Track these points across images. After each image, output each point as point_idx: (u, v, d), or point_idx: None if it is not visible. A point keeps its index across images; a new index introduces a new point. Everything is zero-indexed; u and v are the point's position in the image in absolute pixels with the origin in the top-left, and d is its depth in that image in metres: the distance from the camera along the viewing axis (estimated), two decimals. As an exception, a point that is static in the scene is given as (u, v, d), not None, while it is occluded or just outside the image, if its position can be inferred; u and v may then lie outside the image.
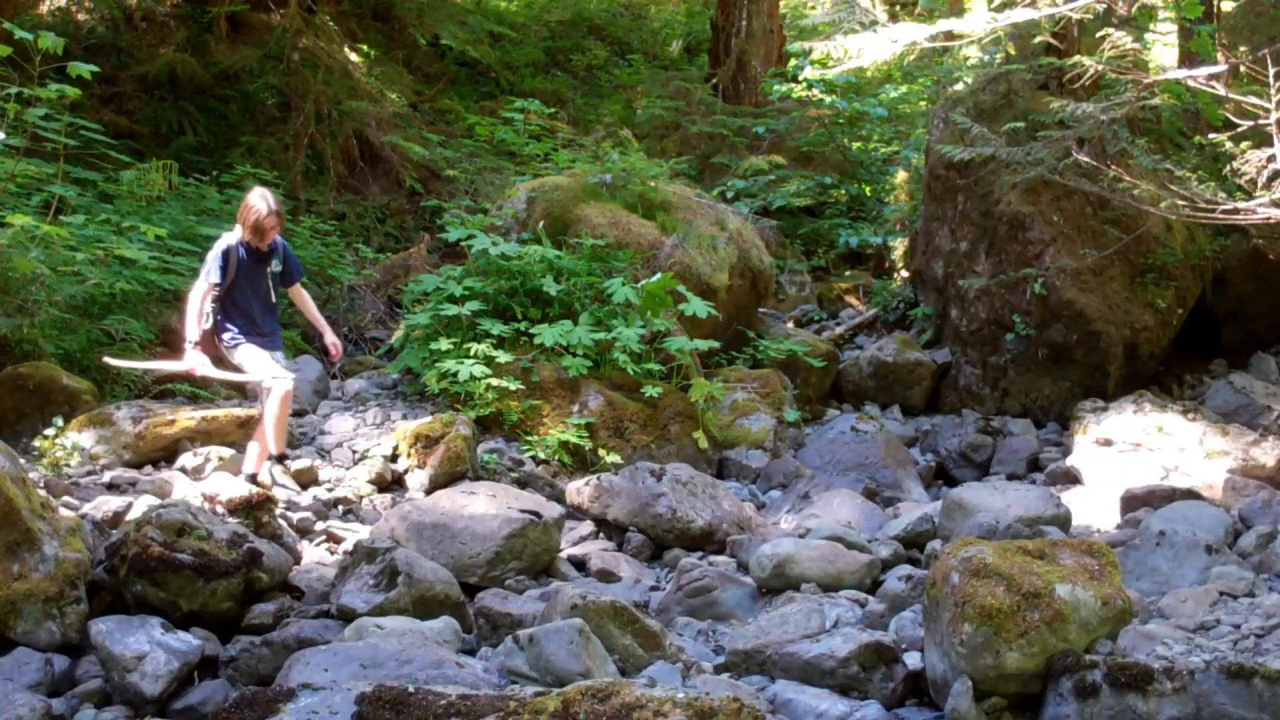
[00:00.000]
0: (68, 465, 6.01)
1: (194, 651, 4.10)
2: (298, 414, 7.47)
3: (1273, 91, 5.75)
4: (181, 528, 4.52)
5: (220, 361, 5.84)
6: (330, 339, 6.22)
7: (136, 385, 7.13)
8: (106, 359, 6.27)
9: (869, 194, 13.95)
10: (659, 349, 7.82)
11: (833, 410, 9.50)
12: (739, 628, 4.71)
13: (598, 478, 6.47)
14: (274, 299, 6.06)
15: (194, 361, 5.71)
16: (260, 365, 5.80)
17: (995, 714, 3.54)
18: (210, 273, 5.77)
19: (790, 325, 10.73)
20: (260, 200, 5.82)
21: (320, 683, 3.44)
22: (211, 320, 5.80)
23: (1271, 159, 6.19)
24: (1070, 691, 3.41)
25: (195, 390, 7.33)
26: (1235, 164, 6.55)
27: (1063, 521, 5.89)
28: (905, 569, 5.21)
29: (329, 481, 6.39)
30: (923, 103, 14.44)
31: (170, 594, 4.31)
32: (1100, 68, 6.67)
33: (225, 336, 5.81)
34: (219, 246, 5.83)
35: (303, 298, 6.34)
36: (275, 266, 6.02)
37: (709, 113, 14.44)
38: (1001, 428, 8.63)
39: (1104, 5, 6.61)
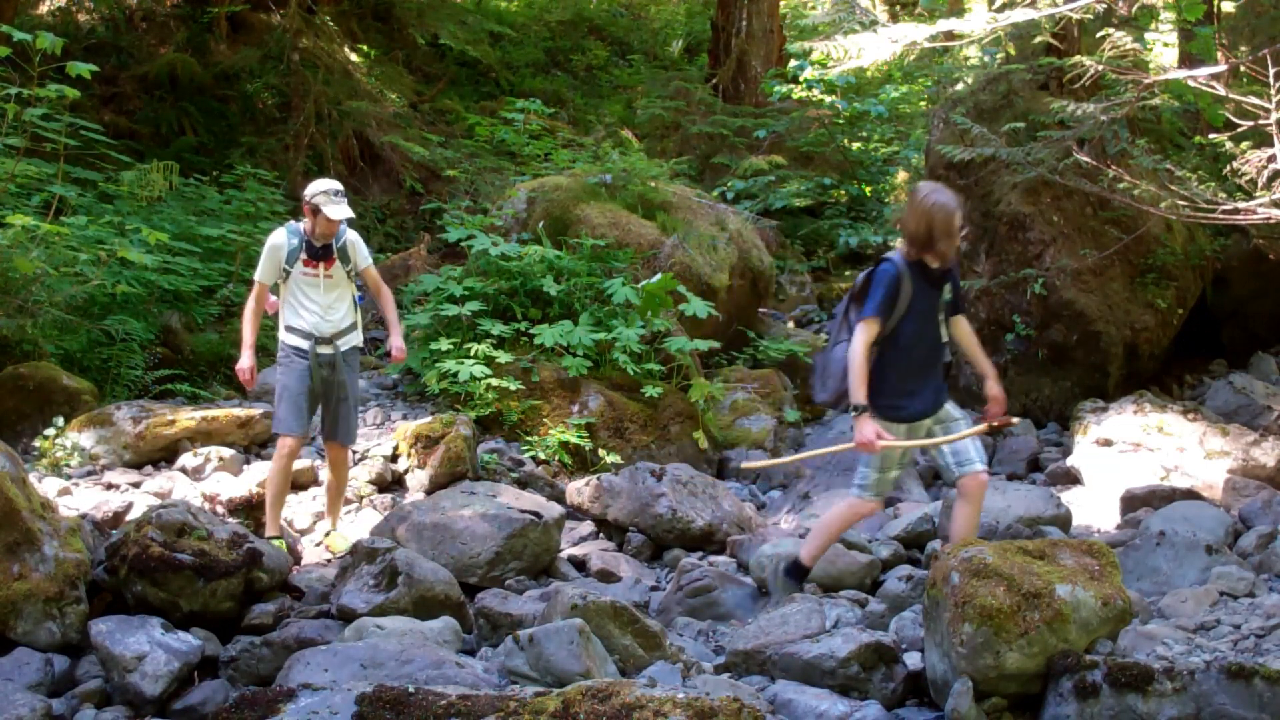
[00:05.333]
0: (68, 465, 6.01)
1: (194, 652, 4.09)
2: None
3: (1273, 91, 5.75)
4: (181, 528, 4.52)
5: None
6: None
7: (136, 385, 7.13)
8: (748, 464, 5.58)
9: (869, 194, 13.96)
10: (659, 349, 7.82)
11: (833, 410, 9.50)
12: (739, 628, 4.70)
13: (598, 478, 6.47)
14: (943, 339, 4.59)
15: (869, 433, 4.35)
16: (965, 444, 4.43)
17: (995, 714, 3.54)
18: (870, 307, 4.39)
19: (790, 325, 10.73)
20: (945, 195, 4.43)
21: (320, 683, 3.44)
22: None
23: (1271, 159, 6.19)
24: (1070, 692, 3.40)
25: (195, 390, 7.34)
26: (1235, 164, 6.54)
27: (1063, 521, 5.88)
28: (905, 569, 5.20)
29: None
30: (923, 103, 14.45)
31: (170, 594, 4.31)
32: (1100, 68, 6.67)
33: (878, 402, 4.44)
34: (883, 269, 4.44)
35: (967, 333, 4.81)
36: (947, 294, 4.57)
37: (709, 113, 14.45)
38: (1002, 428, 8.62)
39: (1104, 5, 6.61)
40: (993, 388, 4.71)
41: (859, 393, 4.35)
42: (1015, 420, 5.09)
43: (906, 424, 4.50)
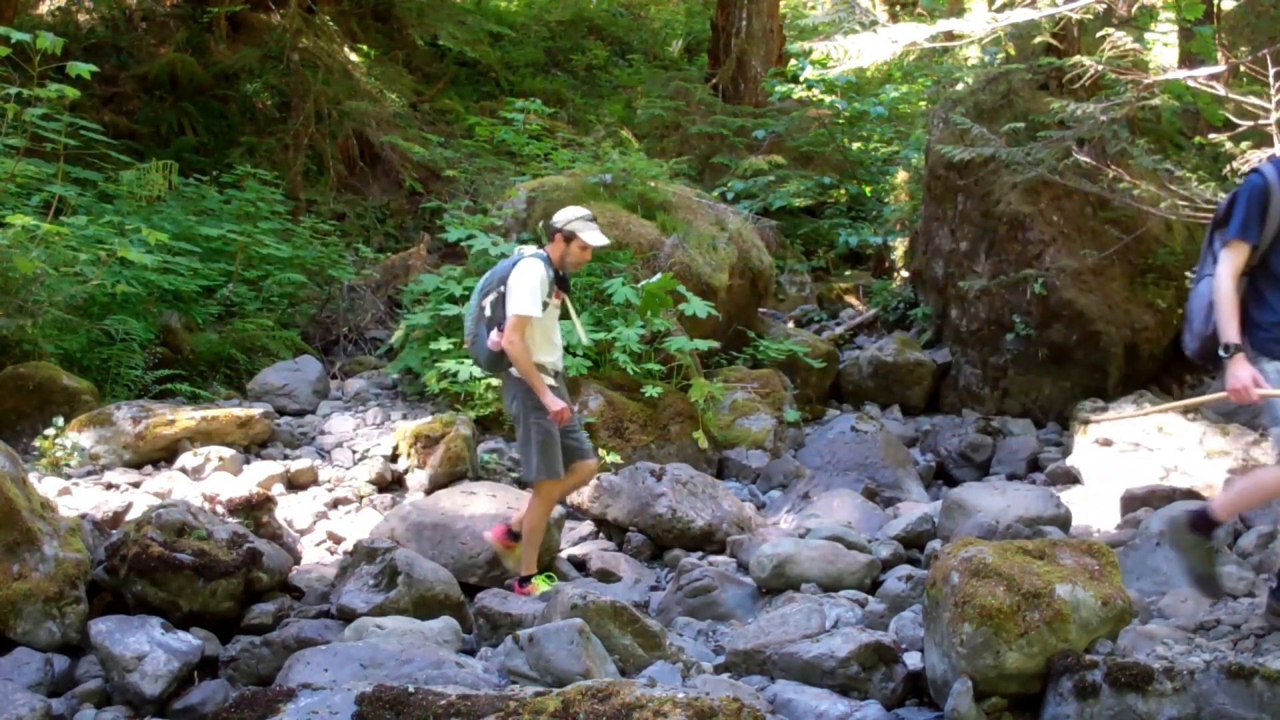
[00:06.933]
0: (68, 465, 6.01)
1: (194, 651, 4.09)
2: (298, 414, 7.48)
3: (1273, 91, 5.76)
4: (181, 528, 4.52)
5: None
6: None
7: (136, 385, 7.13)
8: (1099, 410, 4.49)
9: (869, 194, 13.96)
10: (659, 349, 7.82)
11: (833, 410, 9.50)
12: (739, 628, 4.70)
13: (598, 478, 6.47)
14: None
15: (1244, 377, 3.61)
16: None
17: (995, 714, 3.54)
18: (1234, 227, 3.68)
19: (790, 325, 10.73)
20: None
21: (320, 683, 3.44)
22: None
23: (1271, 159, 6.19)
24: (1070, 691, 3.40)
25: (195, 390, 7.33)
26: (1235, 164, 6.55)
27: (1063, 521, 5.88)
28: (905, 569, 5.21)
29: (329, 481, 6.39)
30: (923, 103, 14.45)
31: (170, 594, 4.31)
32: (1100, 68, 6.68)
33: (1260, 335, 3.72)
34: (1249, 180, 3.74)
35: None
36: None
37: (709, 113, 14.45)
38: (1001, 428, 8.62)
39: (1104, 5, 6.62)
40: None
41: (1229, 329, 3.63)
42: None
43: None
